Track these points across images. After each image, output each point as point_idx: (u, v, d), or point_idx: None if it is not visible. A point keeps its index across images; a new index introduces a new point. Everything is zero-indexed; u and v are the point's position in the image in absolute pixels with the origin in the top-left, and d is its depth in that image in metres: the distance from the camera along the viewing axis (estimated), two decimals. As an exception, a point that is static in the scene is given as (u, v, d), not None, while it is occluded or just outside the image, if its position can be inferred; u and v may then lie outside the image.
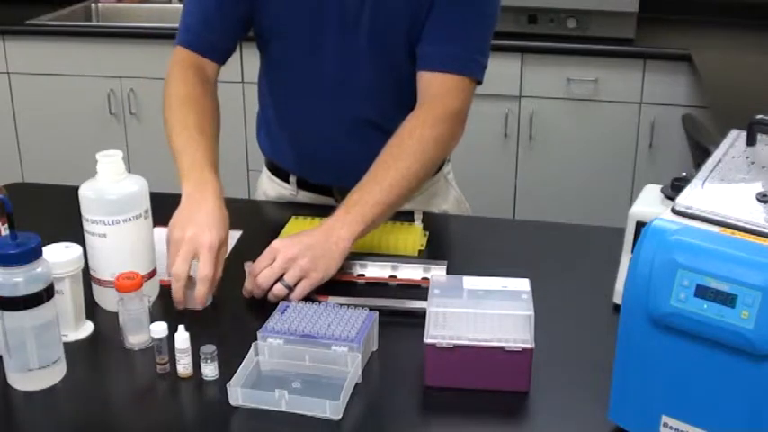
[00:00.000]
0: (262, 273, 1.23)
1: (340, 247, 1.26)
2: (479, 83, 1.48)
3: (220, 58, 1.52)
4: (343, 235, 1.27)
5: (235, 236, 1.46)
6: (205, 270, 1.20)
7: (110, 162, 1.20)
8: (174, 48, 1.51)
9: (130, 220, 1.20)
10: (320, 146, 1.56)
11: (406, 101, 1.46)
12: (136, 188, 1.22)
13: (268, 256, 1.25)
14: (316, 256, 1.24)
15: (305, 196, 1.64)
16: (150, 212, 1.24)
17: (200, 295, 1.19)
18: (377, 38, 1.44)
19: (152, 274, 1.25)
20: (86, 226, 1.21)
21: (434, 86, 1.43)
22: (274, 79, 1.58)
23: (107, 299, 1.22)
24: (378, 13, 1.42)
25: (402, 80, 1.49)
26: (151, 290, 1.24)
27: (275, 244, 1.27)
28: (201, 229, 1.22)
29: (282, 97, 1.58)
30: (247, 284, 1.26)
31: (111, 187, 1.20)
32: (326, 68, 1.48)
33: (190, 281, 1.20)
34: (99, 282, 1.23)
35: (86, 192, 1.20)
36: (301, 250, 1.24)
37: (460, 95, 1.44)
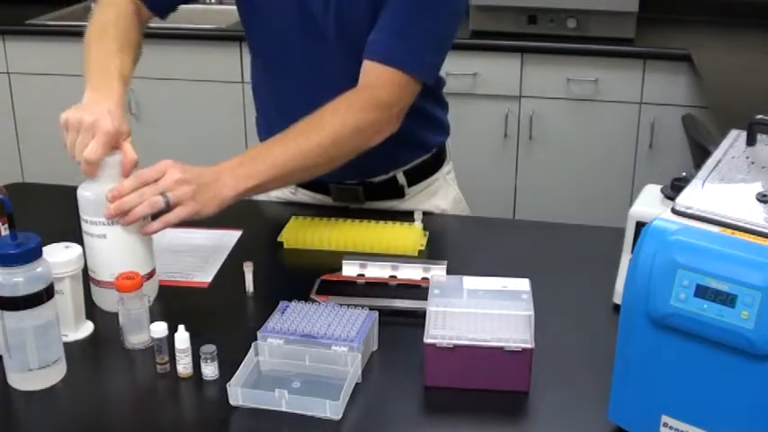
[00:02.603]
0: (148, 187, 1.21)
1: (223, 195, 1.27)
2: (425, 83, 1.42)
3: (158, 10, 1.52)
4: (230, 184, 1.27)
5: (235, 236, 1.46)
6: (93, 152, 1.19)
7: (114, 162, 1.21)
8: None
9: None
10: None
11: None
12: None
13: (158, 170, 1.23)
14: (201, 191, 1.24)
15: (304, 195, 1.64)
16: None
17: (86, 172, 1.20)
18: (345, 39, 1.43)
19: (152, 274, 1.25)
20: (85, 227, 1.21)
21: (371, 75, 1.38)
22: (264, 79, 1.58)
23: (106, 300, 1.22)
24: (342, 17, 1.41)
25: None
26: (151, 290, 1.24)
27: (166, 162, 1.24)
28: (102, 116, 1.21)
29: (273, 96, 1.57)
30: (128, 187, 1.20)
31: (110, 188, 1.19)
32: (303, 67, 1.48)
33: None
34: (98, 283, 1.23)
35: (85, 192, 1.20)
36: (190, 178, 1.24)
37: (394, 89, 1.38)
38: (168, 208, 1.22)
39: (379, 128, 1.39)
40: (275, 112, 1.59)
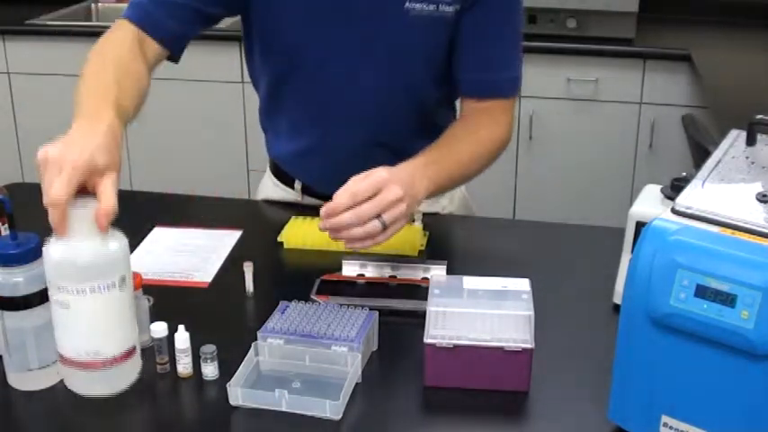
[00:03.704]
0: (366, 205, 1.15)
1: (418, 198, 1.26)
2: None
3: (167, 41, 1.35)
4: (423, 187, 1.27)
5: (235, 236, 1.46)
6: (55, 192, 0.95)
7: (81, 216, 0.97)
8: (118, 21, 1.35)
9: (100, 289, 0.99)
10: (329, 164, 1.55)
11: (425, 125, 1.46)
12: (113, 248, 1.00)
13: (374, 185, 1.16)
14: (411, 205, 1.22)
15: (309, 201, 1.63)
16: (129, 280, 1.03)
17: (53, 221, 0.96)
18: (391, 66, 1.42)
19: (130, 353, 1.04)
20: (50, 290, 1.00)
21: (487, 106, 1.46)
22: (284, 95, 1.54)
23: (73, 381, 1.04)
24: (391, 42, 1.40)
25: (422, 105, 1.49)
26: (131, 370, 1.06)
27: (382, 176, 1.18)
28: (70, 148, 1.00)
29: (293, 113, 1.54)
30: (343, 204, 1.15)
31: (82, 246, 0.98)
32: (335, 93, 1.46)
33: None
34: (62, 359, 1.03)
35: (48, 250, 0.98)
36: (405, 193, 1.19)
37: (510, 113, 1.50)
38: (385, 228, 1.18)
39: (506, 142, 1.49)
40: (303, 131, 1.56)
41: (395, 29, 1.39)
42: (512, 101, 1.51)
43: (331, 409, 1.00)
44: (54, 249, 0.98)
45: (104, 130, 1.06)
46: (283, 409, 1.02)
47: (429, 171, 1.29)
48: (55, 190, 0.96)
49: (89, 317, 1.00)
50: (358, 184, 1.18)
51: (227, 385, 1.03)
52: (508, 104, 1.50)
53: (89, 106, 1.13)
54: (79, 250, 0.97)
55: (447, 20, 1.39)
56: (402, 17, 1.37)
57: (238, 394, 1.03)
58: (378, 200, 1.16)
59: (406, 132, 1.49)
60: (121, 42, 1.30)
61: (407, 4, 1.37)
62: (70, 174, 0.97)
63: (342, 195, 1.16)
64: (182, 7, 1.37)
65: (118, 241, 1.01)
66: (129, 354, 1.04)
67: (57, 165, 0.98)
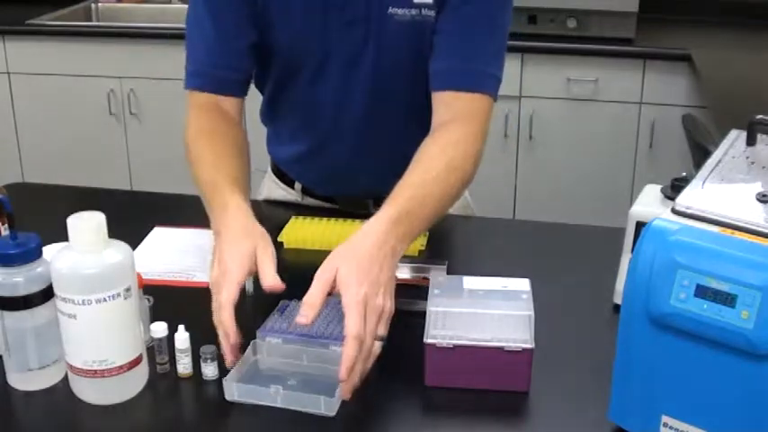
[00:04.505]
0: (367, 339, 1.04)
1: (396, 262, 1.15)
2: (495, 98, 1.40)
3: (236, 91, 1.45)
4: (397, 254, 1.15)
5: (235, 236, 1.46)
6: (223, 324, 1.06)
7: (87, 228, 1.00)
8: (187, 93, 1.44)
9: (106, 300, 1.00)
10: (327, 168, 1.55)
11: (418, 126, 1.46)
12: (118, 259, 1.02)
13: (360, 318, 1.03)
14: (387, 291, 1.09)
15: (309, 202, 1.63)
16: (134, 290, 1.04)
17: (226, 354, 1.05)
18: (380, 71, 1.42)
19: (137, 361, 1.06)
20: (57, 302, 1.02)
21: (459, 104, 1.35)
22: (280, 102, 1.55)
23: (81, 389, 1.05)
24: (378, 47, 1.40)
25: (413, 108, 1.47)
26: (139, 379, 1.07)
27: (359, 294, 1.05)
28: (222, 273, 1.11)
29: (289, 120, 1.56)
30: (354, 356, 1.02)
31: (87, 259, 1.00)
32: (330, 99, 1.46)
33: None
34: (71, 368, 1.05)
35: (56, 264, 1.01)
36: (382, 292, 1.08)
37: (487, 115, 1.36)
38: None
39: (482, 155, 1.37)
40: (299, 136, 1.56)
41: (380, 34, 1.38)
42: (491, 102, 1.37)
43: (326, 405, 1.00)
44: (60, 262, 1.00)
45: (235, 230, 1.18)
46: (278, 404, 1.02)
47: (402, 227, 1.16)
48: (224, 298, 1.07)
49: (95, 327, 1.01)
50: (351, 323, 1.03)
51: (223, 380, 1.03)
52: (486, 106, 1.36)
53: (217, 203, 1.24)
54: (85, 262, 1.00)
55: (430, 23, 1.37)
56: (386, 22, 1.37)
57: (233, 389, 1.03)
58: (372, 329, 1.05)
59: (400, 134, 1.49)
60: (202, 116, 1.41)
61: (390, 9, 1.36)
62: (224, 309, 1.07)
63: (350, 349, 1.01)
64: (238, 54, 1.42)
65: (122, 253, 1.02)
66: (135, 362, 1.05)
67: (218, 286, 1.10)
